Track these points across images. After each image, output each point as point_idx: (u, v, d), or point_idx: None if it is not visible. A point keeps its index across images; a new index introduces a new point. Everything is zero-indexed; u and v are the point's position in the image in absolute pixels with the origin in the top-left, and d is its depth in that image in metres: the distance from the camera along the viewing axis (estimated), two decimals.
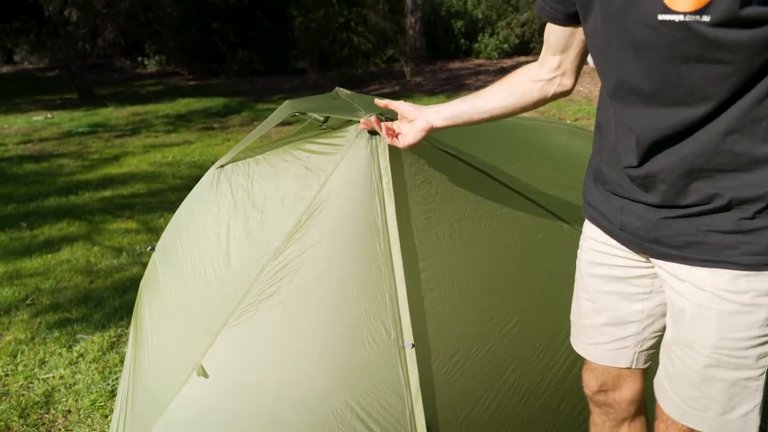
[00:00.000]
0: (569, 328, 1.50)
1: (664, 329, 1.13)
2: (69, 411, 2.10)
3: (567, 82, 1.21)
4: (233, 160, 1.63)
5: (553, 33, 1.16)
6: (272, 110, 8.49)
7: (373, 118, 1.30)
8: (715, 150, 0.92)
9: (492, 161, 1.60)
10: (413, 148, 1.38)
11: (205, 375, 1.39)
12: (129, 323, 2.61)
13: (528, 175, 1.66)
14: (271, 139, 2.28)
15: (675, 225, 1.00)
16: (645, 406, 1.30)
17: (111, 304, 2.85)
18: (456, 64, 12.42)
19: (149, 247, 1.81)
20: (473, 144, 1.63)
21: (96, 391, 2.17)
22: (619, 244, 1.13)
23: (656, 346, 1.19)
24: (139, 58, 15.30)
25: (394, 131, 1.28)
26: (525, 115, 1.45)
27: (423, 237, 1.40)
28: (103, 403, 2.11)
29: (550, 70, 1.20)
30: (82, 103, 10.17)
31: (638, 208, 1.05)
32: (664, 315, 1.14)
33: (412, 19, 12.07)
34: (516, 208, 1.57)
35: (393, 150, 1.38)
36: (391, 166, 1.38)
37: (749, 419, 1.01)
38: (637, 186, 1.03)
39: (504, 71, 11.19)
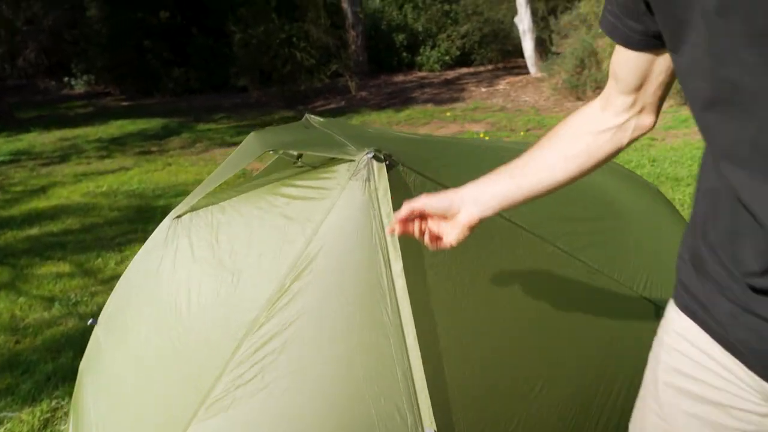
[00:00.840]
0: (597, 388, 1.32)
1: None
2: None
3: (646, 122, 0.88)
4: (192, 209, 1.35)
5: (626, 62, 0.82)
6: (215, 130, 7.89)
7: (397, 223, 0.97)
8: None
9: None
10: (414, 186, 1.15)
11: None
12: (65, 393, 2.23)
13: (532, 209, 1.47)
14: (236, 179, 1.99)
15: None
16: None
17: (42, 369, 2.45)
18: (400, 78, 12.38)
19: (90, 321, 1.48)
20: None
21: None
22: (725, 355, 0.78)
23: None
24: (65, 78, 14.37)
25: (437, 236, 0.96)
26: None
27: (436, 296, 1.17)
28: None
29: (619, 112, 0.87)
30: (2, 129, 9.36)
31: (756, 324, 0.72)
32: None
33: (354, 34, 11.94)
34: (528, 249, 1.38)
35: (396, 192, 1.15)
36: (394, 212, 1.14)
37: None
38: (759, 295, 0.72)
39: (448, 83, 11.17)
